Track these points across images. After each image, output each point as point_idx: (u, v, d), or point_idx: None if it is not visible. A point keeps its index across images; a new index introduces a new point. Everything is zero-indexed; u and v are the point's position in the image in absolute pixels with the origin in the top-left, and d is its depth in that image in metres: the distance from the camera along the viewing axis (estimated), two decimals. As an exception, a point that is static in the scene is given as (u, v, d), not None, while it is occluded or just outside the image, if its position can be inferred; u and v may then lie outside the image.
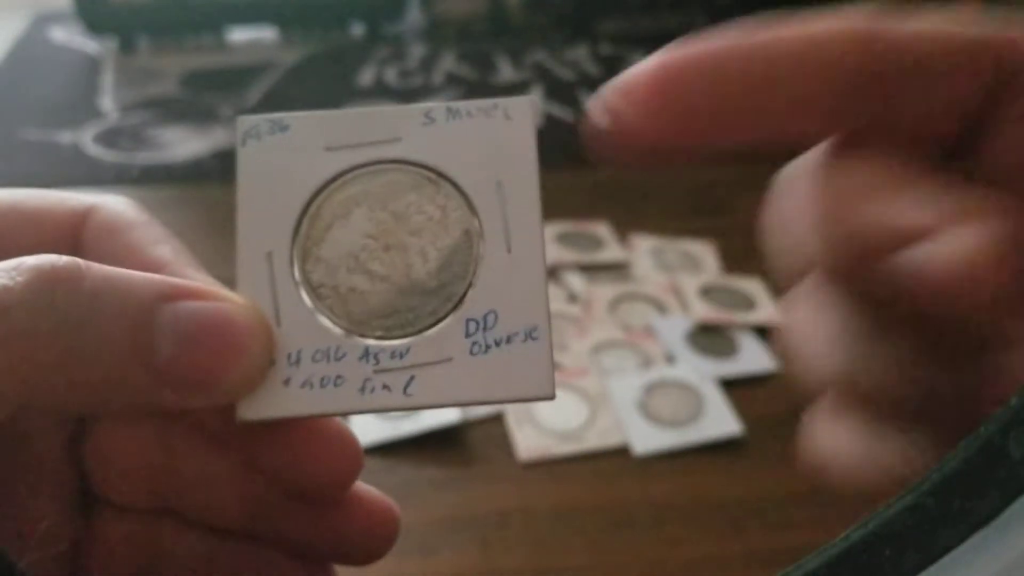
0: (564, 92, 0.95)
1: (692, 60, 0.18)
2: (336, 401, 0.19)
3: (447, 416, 0.48)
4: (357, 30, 1.05)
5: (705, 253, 0.63)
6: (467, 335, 0.19)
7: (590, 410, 0.50)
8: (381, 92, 0.94)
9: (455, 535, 0.42)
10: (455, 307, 0.20)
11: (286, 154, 0.20)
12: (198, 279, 0.21)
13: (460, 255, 0.20)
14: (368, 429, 0.48)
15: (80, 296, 0.17)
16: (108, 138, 0.80)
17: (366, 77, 0.97)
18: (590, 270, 0.62)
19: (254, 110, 0.88)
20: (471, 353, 0.19)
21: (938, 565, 0.13)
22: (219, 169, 0.75)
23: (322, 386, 0.19)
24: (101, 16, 0.97)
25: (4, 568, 0.17)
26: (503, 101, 0.20)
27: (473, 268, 0.20)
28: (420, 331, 0.19)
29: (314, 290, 0.20)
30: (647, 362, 0.53)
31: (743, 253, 0.64)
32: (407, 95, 0.93)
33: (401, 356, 0.19)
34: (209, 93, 0.90)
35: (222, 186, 0.71)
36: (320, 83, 0.95)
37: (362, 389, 0.19)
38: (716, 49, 0.18)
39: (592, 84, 0.96)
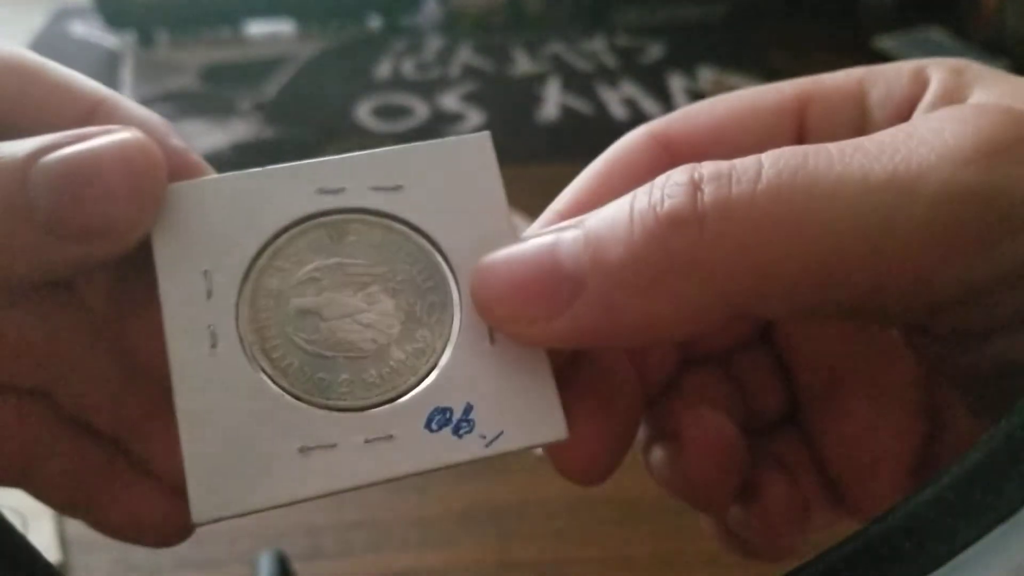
0: (581, 83, 0.95)
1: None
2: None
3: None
4: (374, 23, 1.06)
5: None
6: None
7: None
8: (398, 84, 0.94)
9: (474, 527, 0.42)
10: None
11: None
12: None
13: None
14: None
15: None
16: (128, 132, 0.81)
17: (383, 70, 0.97)
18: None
19: (272, 103, 0.88)
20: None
21: (958, 559, 0.13)
22: (238, 162, 0.76)
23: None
24: (120, 10, 0.97)
25: (27, 554, 0.17)
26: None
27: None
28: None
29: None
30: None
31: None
32: (424, 87, 0.93)
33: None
34: (227, 86, 0.91)
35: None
36: (337, 76, 0.96)
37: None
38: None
39: (610, 75, 0.96)
